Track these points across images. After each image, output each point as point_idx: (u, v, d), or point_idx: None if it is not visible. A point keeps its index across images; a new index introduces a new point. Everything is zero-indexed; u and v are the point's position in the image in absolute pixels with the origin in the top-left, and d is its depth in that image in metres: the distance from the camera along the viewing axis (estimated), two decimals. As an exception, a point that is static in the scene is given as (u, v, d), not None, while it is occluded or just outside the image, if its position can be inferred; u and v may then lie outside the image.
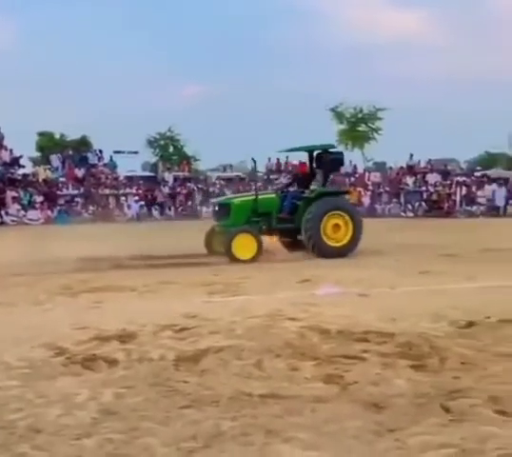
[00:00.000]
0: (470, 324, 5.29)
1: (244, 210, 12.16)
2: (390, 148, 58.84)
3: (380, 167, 42.86)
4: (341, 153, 13.84)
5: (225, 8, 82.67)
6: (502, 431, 3.02)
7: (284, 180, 29.80)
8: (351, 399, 3.53)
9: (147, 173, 38.70)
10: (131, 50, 75.77)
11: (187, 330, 5.28)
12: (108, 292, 7.77)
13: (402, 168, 35.30)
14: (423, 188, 32.62)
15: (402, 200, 32.99)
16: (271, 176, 34.27)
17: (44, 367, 4.31)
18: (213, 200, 16.97)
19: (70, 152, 35.53)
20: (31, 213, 28.96)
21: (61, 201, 30.86)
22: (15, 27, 79.86)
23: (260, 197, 12.39)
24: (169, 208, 32.86)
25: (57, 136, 44.74)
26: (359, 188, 32.12)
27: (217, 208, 12.86)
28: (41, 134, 44.01)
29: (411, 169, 34.56)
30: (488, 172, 35.12)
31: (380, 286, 7.75)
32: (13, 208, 28.84)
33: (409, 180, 33.66)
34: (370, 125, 46.75)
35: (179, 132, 48.53)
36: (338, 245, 11.98)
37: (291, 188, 13.21)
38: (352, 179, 34.77)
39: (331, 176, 14.88)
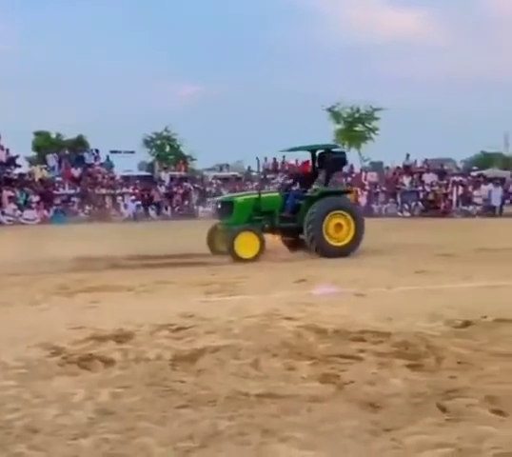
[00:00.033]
0: (466, 323, 5.30)
1: (246, 209, 12.17)
2: (387, 147, 58.89)
3: (376, 166, 42.82)
4: (343, 153, 13.95)
5: (224, 8, 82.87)
6: (498, 431, 3.03)
7: (280, 180, 29.80)
8: (347, 398, 3.53)
9: (144, 173, 38.56)
10: (130, 50, 75.90)
11: (183, 330, 5.28)
12: (105, 292, 7.76)
13: (398, 167, 35.29)
14: (420, 188, 32.62)
15: (398, 200, 32.97)
16: (268, 176, 34.25)
17: (40, 366, 4.31)
18: (216, 198, 16.96)
19: (67, 152, 35.45)
20: (28, 213, 28.90)
21: (57, 201, 30.79)
22: (15, 27, 79.95)
23: (263, 196, 12.42)
24: (166, 208, 32.82)
25: (53, 136, 44.70)
26: (355, 188, 32.11)
27: (220, 206, 12.87)
28: (37, 134, 44.00)
29: (408, 169, 34.55)
30: (484, 172, 35.14)
31: (376, 285, 7.76)
32: (10, 207, 28.79)
33: (406, 180, 33.64)
34: (367, 125, 46.79)
35: (175, 132, 48.67)
36: (340, 244, 12.02)
37: (294, 188, 13.22)
38: (349, 179, 34.77)
39: (334, 176, 14.91)
